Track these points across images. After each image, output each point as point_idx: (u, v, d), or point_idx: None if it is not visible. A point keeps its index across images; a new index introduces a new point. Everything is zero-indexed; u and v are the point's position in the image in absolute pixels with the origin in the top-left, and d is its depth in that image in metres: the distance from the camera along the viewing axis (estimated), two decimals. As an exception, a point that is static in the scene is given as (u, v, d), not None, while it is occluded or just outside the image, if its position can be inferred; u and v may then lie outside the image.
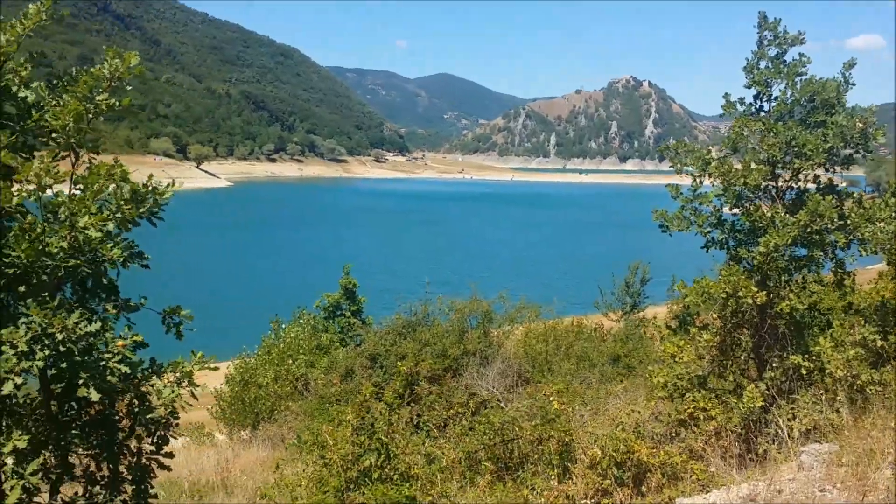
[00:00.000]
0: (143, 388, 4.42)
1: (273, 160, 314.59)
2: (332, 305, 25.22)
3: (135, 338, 4.47)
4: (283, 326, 24.91)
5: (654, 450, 7.73)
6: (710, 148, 9.76)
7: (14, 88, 4.90)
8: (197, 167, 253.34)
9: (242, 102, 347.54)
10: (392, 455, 8.05)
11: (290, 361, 22.44)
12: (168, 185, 4.77)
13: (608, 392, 14.62)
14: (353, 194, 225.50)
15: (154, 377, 4.48)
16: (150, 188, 4.64)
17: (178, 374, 4.58)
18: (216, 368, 4.83)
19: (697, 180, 9.36)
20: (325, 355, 22.05)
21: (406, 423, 12.26)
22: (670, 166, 9.41)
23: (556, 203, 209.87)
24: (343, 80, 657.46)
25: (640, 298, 25.56)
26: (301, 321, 25.11)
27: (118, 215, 4.40)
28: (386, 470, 7.93)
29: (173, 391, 4.47)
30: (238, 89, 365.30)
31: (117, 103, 4.79)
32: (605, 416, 10.69)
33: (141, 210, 4.59)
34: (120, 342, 4.35)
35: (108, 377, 4.16)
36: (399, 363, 13.48)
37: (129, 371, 4.24)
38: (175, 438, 20.26)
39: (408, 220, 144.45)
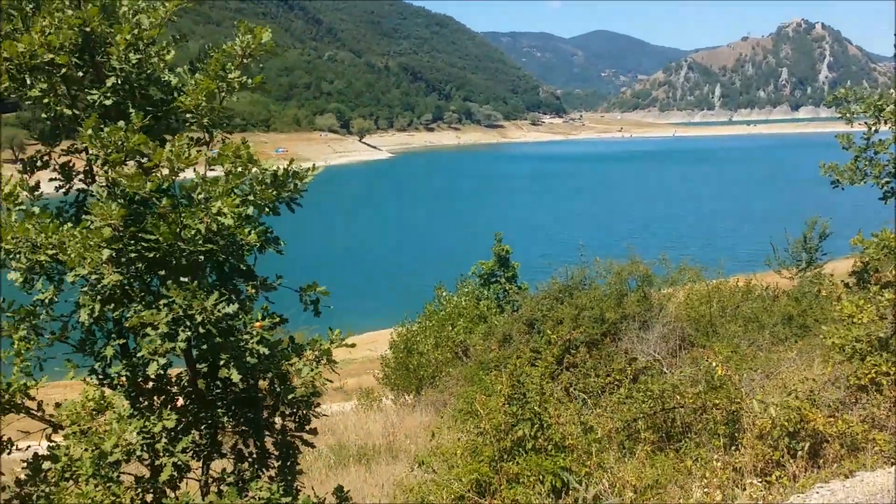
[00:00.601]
0: (284, 368, 4.41)
1: (431, 129, 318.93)
2: (487, 273, 25.28)
3: (272, 319, 4.47)
4: (445, 294, 25.23)
5: (832, 419, 7.12)
6: (891, 91, 8.83)
7: (158, 72, 4.96)
8: (359, 140, 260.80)
9: (401, 75, 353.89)
10: (546, 425, 7.84)
11: (450, 328, 22.68)
12: (308, 169, 4.72)
13: (780, 356, 13.76)
14: (510, 159, 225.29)
15: (294, 356, 4.46)
16: (290, 172, 4.59)
17: (316, 353, 4.54)
18: (353, 345, 4.77)
19: (872, 128, 8.49)
20: (483, 322, 22.13)
21: (562, 390, 12.03)
22: (839, 115, 8.59)
23: (722, 158, 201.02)
24: (497, 46, 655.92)
25: (818, 254, 23.89)
26: (466, 289, 25.39)
27: (251, 198, 4.37)
28: (540, 440, 7.74)
29: (313, 370, 4.44)
30: (396, 62, 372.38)
31: (249, 80, 4.75)
32: (777, 381, 10.00)
33: (283, 194, 4.55)
34: (258, 323, 4.36)
35: (248, 358, 4.17)
36: (549, 332, 13.19)
37: (267, 351, 4.23)
38: (347, 401, 21.00)
39: (565, 183, 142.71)
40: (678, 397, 8.16)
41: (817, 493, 5.67)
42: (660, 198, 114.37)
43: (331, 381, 4.90)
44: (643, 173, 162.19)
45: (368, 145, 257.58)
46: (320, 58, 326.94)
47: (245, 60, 4.75)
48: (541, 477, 7.35)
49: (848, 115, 8.78)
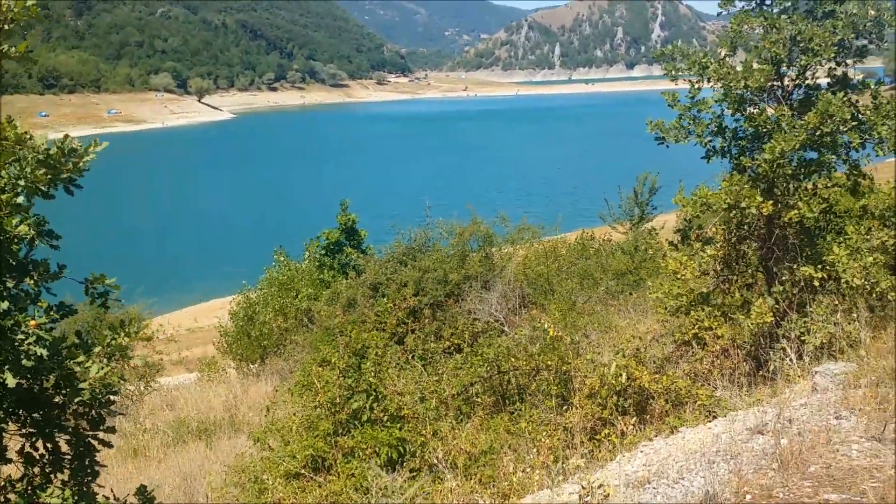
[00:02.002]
0: (70, 367, 3.87)
1: (274, 89, 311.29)
2: (332, 243, 24.79)
3: (52, 315, 3.93)
4: (284, 259, 24.57)
5: (657, 375, 7.30)
6: (708, 51, 9.04)
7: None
8: (199, 101, 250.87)
9: (239, 32, 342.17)
10: (381, 396, 7.66)
11: (293, 296, 22.19)
12: (89, 145, 4.12)
13: (617, 308, 14.21)
14: (356, 120, 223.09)
15: (82, 354, 3.92)
16: (66, 150, 3.97)
17: (109, 349, 4.02)
18: (150, 338, 4.32)
19: (695, 86, 8.66)
20: (327, 287, 21.76)
21: (405, 354, 11.92)
22: (664, 76, 8.71)
23: (562, 116, 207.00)
24: (339, 3, 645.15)
25: (648, 209, 24.96)
26: (309, 253, 24.80)
27: (21, 183, 3.77)
28: (376, 411, 7.56)
29: (102, 368, 3.92)
30: (234, 18, 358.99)
31: (12, 49, 4.04)
32: (612, 335, 10.26)
33: (60, 175, 3.94)
34: (32, 322, 3.81)
35: (25, 361, 3.66)
36: (390, 298, 13.05)
37: (46, 352, 3.72)
38: (189, 373, 20.06)
39: (410, 143, 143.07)
40: (513, 360, 8.16)
41: (641, 451, 5.76)
42: (503, 157, 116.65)
43: (124, 381, 4.45)
44: (487, 132, 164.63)
45: (209, 106, 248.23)
46: (153, 14, 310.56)
47: (7, 27, 4.02)
48: (377, 449, 7.19)
49: (673, 72, 8.90)
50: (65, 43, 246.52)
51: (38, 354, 3.70)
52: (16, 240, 3.79)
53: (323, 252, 23.92)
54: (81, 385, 3.88)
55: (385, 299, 15.61)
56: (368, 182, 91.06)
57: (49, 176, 3.86)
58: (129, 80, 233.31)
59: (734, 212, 8.19)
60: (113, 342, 3.99)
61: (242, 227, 69.98)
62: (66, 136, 3.97)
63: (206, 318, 39.93)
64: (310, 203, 78.56)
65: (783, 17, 8.61)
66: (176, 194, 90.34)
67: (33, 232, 3.85)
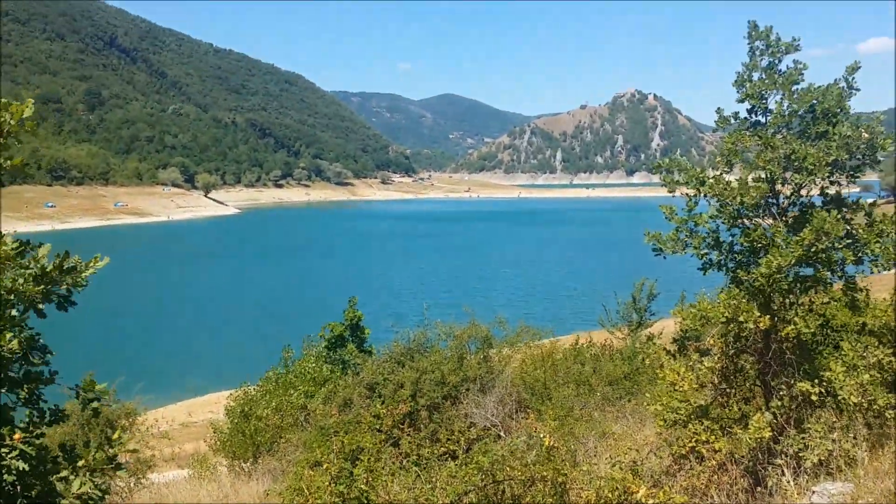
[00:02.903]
0: (52, 480, 3.71)
1: (280, 186, 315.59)
2: (335, 337, 24.73)
3: (36, 427, 3.83)
4: (293, 357, 24.46)
5: (653, 490, 7.16)
6: (706, 165, 9.25)
7: None
8: (205, 196, 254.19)
9: (248, 130, 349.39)
10: (374, 504, 7.50)
11: (291, 392, 21.98)
12: (90, 262, 4.02)
13: (615, 415, 14.06)
14: (360, 217, 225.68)
15: (65, 468, 3.77)
16: (64, 268, 3.88)
17: (92, 461, 3.88)
18: (136, 451, 4.24)
19: (693, 199, 8.83)
20: (325, 385, 21.57)
21: (400, 457, 11.72)
22: (663, 184, 8.88)
23: (563, 219, 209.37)
24: (347, 105, 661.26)
25: (646, 314, 24.99)
26: (313, 352, 24.70)
27: (12, 298, 3.70)
28: (368, 521, 7.39)
29: (83, 484, 3.77)
30: (244, 117, 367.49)
31: (8, 162, 3.98)
32: (608, 444, 10.12)
33: (57, 289, 3.84)
34: (17, 436, 3.70)
35: (6, 476, 3.56)
36: (383, 405, 12.92)
37: (27, 467, 3.60)
38: (181, 469, 19.64)
39: (414, 242, 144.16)
40: (508, 468, 8.03)
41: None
42: (504, 257, 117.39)
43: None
44: (488, 233, 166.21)
45: (214, 200, 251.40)
46: (164, 111, 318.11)
47: (4, 139, 3.95)
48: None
49: (671, 184, 9.07)
50: (75, 136, 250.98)
51: (20, 469, 3.59)
52: (8, 354, 3.72)
53: (325, 345, 23.84)
54: (62, 502, 3.75)
55: (381, 401, 15.48)
56: (369, 279, 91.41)
57: (44, 290, 3.81)
58: (137, 173, 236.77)
59: (732, 325, 8.22)
60: (98, 455, 3.89)
61: (241, 321, 69.82)
62: (66, 254, 3.94)
63: (200, 413, 39.36)
64: (309, 299, 78.68)
65: (777, 136, 8.83)
66: (176, 287, 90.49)
67: (25, 349, 3.78)
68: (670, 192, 8.99)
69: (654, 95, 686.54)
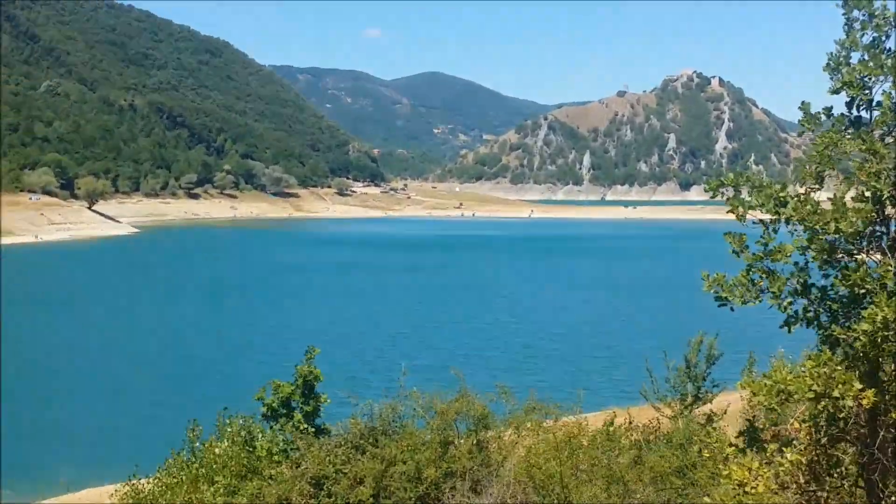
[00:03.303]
0: None
1: (196, 196, 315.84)
2: (280, 401, 24.48)
3: None
4: (202, 439, 24.23)
5: None
6: (787, 180, 9.31)
7: None
8: (89, 208, 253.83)
9: (152, 118, 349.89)
10: None
11: (206, 487, 21.83)
12: None
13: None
14: (307, 243, 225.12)
15: None
16: None
17: None
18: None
19: (769, 228, 8.83)
20: (255, 477, 21.42)
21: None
22: (728, 210, 8.91)
23: (592, 250, 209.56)
24: (292, 85, 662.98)
25: (705, 385, 25.06)
26: (230, 429, 24.38)
27: None
28: None
29: None
30: (146, 99, 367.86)
31: None
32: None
33: None
34: None
35: None
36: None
37: None
38: None
39: (383, 280, 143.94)
40: None
41: None
42: (509, 303, 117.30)
43: None
44: (488, 268, 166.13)
45: (102, 215, 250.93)
46: (34, 89, 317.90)
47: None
48: None
49: (740, 210, 9.04)
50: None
51: None
52: None
53: (264, 412, 23.61)
54: None
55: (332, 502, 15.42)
56: (316, 331, 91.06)
57: None
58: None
59: (823, 403, 8.25)
60: None
61: (133, 385, 69.40)
62: None
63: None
64: (226, 358, 78.44)
65: (887, 139, 8.84)
66: (42, 337, 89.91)
67: None
68: (738, 218, 8.99)
69: (720, 80, 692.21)
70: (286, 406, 23.81)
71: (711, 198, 10.22)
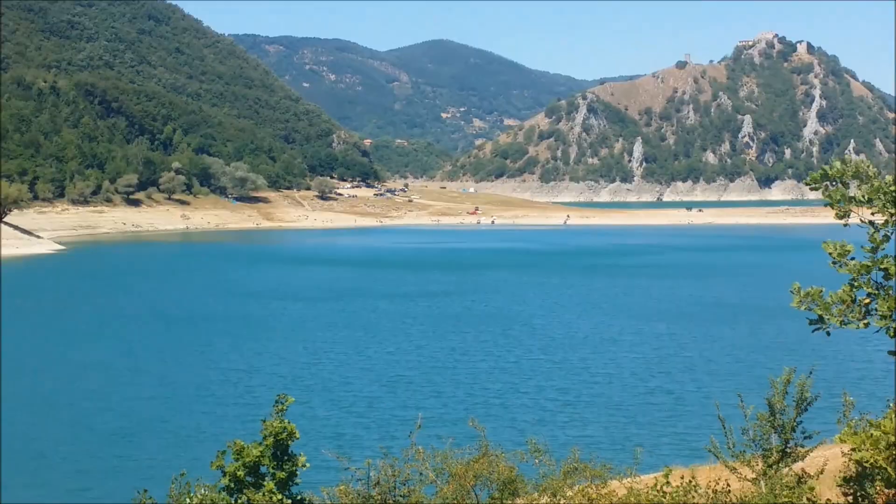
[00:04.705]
0: None
1: (137, 203, 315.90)
2: (245, 468, 24.51)
3: None
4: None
5: None
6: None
7: None
8: None
9: (80, 104, 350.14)
10: None
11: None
12: None
13: None
14: (279, 262, 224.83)
15: None
16: None
17: None
18: None
19: (879, 231, 8.79)
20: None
21: None
22: (828, 204, 8.90)
23: (645, 266, 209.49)
24: (260, 59, 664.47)
25: (796, 436, 24.91)
26: (189, 501, 24.44)
27: None
28: None
29: None
30: (72, 80, 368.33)
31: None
32: None
33: None
34: None
35: None
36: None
37: None
38: None
39: (378, 308, 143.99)
40: None
41: None
42: (540, 336, 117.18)
43: None
44: (514, 291, 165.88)
45: (17, 228, 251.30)
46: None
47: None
48: None
49: (841, 203, 9.03)
50: None
51: None
52: None
53: (226, 483, 23.65)
54: None
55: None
56: (294, 374, 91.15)
57: None
58: None
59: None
60: None
61: (47, 453, 69.53)
62: None
63: None
64: (167, 417, 78.30)
65: None
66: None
67: None
68: (839, 217, 8.98)
69: (809, 46, 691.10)
70: (254, 473, 23.77)
71: (805, 188, 10.16)
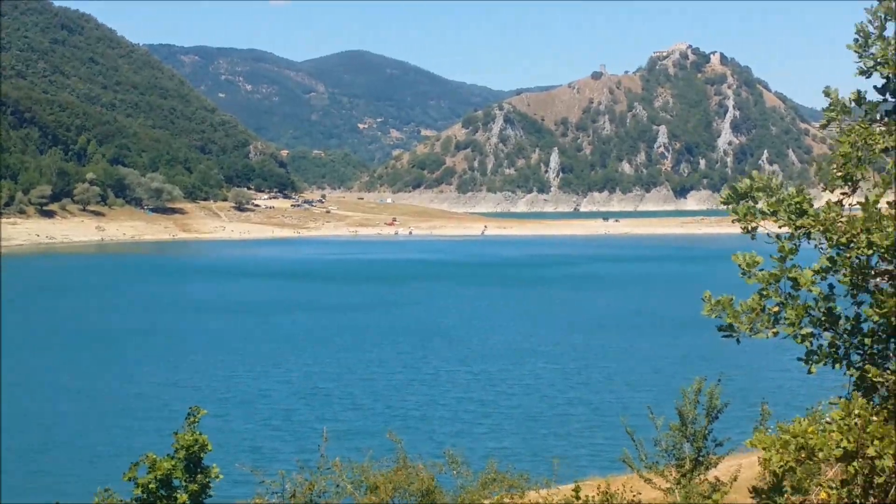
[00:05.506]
0: None
1: (51, 215, 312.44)
2: (158, 481, 24.36)
3: None
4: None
5: None
6: (810, 182, 9.47)
7: None
8: None
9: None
10: None
11: None
12: None
13: None
14: (194, 274, 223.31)
15: None
16: None
17: None
18: None
19: (787, 242, 8.92)
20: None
21: None
22: (734, 219, 9.03)
23: (561, 276, 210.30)
24: (176, 68, 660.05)
25: (707, 445, 25.09)
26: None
27: None
28: None
29: None
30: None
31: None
32: None
33: None
34: None
35: None
36: None
37: None
38: None
39: (295, 320, 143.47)
40: None
41: None
42: (457, 347, 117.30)
43: None
44: (431, 302, 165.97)
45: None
46: None
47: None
48: None
49: (750, 222, 9.13)
50: None
51: None
52: None
53: (139, 495, 23.44)
54: None
55: None
56: (204, 391, 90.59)
57: None
58: None
59: (857, 464, 8.35)
60: None
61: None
62: None
63: None
64: (84, 432, 77.56)
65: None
66: None
67: None
68: (744, 230, 9.09)
69: (722, 57, 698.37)
70: (166, 486, 23.62)
71: (719, 198, 10.30)
